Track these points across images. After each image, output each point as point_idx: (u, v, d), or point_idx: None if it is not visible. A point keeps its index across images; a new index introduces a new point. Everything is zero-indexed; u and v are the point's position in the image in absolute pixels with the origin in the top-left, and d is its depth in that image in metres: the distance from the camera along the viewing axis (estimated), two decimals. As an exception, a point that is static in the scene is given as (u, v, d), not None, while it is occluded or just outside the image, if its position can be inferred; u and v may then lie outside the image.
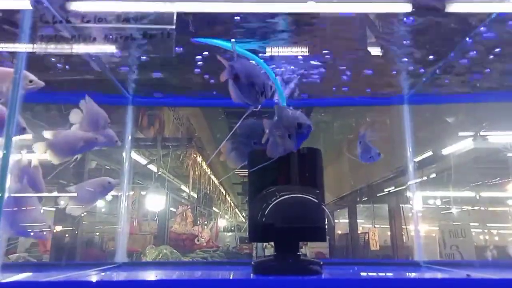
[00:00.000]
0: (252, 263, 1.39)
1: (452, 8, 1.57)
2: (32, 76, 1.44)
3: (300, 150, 1.39)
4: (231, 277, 1.43)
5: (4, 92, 1.37)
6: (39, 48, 1.32)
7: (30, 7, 1.34)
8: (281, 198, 1.29)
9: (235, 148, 1.53)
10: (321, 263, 1.34)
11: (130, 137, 2.23)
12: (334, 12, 1.68)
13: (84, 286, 1.00)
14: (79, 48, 1.31)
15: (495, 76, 2.09)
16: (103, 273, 1.60)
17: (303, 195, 1.32)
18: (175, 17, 1.25)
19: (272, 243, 1.44)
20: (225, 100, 2.22)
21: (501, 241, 10.47)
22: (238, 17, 1.59)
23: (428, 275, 1.56)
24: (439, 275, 1.54)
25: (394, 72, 2.03)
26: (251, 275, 1.34)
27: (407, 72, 2.01)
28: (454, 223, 6.61)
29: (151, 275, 1.62)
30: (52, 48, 1.30)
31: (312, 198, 1.32)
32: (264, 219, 1.28)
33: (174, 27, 1.23)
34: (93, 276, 1.48)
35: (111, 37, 1.21)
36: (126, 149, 2.22)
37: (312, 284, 0.99)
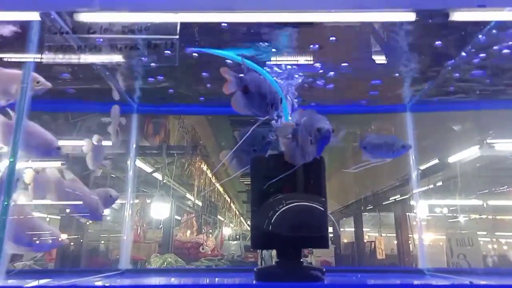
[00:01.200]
0: (255, 269, 1.39)
1: (455, 16, 1.58)
2: (39, 78, 1.47)
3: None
4: (233, 283, 1.44)
5: (13, 94, 1.39)
6: (46, 58, 1.35)
7: (38, 18, 1.38)
8: (287, 206, 1.30)
9: (236, 156, 1.54)
10: (324, 270, 1.34)
11: (134, 145, 2.25)
12: (338, 21, 1.70)
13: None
14: (85, 58, 1.34)
15: (498, 83, 2.09)
16: (106, 280, 1.61)
17: (308, 203, 1.32)
18: (178, 27, 1.28)
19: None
20: (230, 108, 2.24)
21: (510, 250, 10.31)
22: (226, 25, 1.60)
23: (431, 282, 1.55)
24: (442, 283, 1.52)
25: (396, 80, 2.04)
26: (253, 281, 1.34)
27: (409, 80, 2.02)
28: (461, 232, 6.53)
29: (153, 282, 1.63)
30: (59, 58, 1.33)
31: (315, 205, 1.33)
32: (270, 227, 1.28)
33: (177, 37, 1.26)
34: (96, 282, 1.49)
35: (116, 47, 1.24)
36: (131, 157, 2.24)
37: (313, 290, 1.00)
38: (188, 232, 9.01)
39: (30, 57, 1.41)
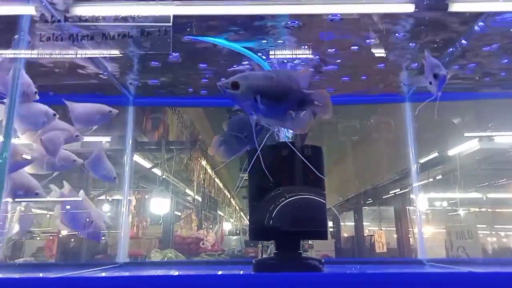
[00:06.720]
0: (253, 261, 1.38)
1: (455, 7, 1.57)
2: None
3: (302, 148, 1.38)
4: (231, 274, 1.43)
5: None
6: (39, 51, 1.32)
7: (34, 13, 1.35)
8: (289, 200, 1.28)
9: (224, 142, 1.52)
10: (322, 260, 1.33)
11: (131, 140, 2.21)
12: (336, 13, 1.68)
13: (83, 282, 1.01)
14: (78, 49, 1.32)
15: (497, 72, 2.08)
16: (104, 272, 1.61)
17: (309, 196, 1.31)
18: (171, 16, 1.26)
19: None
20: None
21: (509, 242, 10.35)
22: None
23: (430, 271, 1.54)
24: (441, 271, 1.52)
25: (395, 69, 2.02)
26: (252, 272, 1.34)
27: (409, 69, 2.00)
28: (460, 225, 6.54)
29: (151, 273, 1.62)
30: (51, 49, 1.30)
31: (315, 197, 1.31)
32: (271, 220, 1.27)
33: (170, 24, 1.24)
34: (96, 274, 1.48)
35: (109, 35, 1.22)
36: (127, 153, 2.19)
37: (311, 279, 0.99)
38: (188, 227, 9.03)
39: (22, 52, 1.38)
